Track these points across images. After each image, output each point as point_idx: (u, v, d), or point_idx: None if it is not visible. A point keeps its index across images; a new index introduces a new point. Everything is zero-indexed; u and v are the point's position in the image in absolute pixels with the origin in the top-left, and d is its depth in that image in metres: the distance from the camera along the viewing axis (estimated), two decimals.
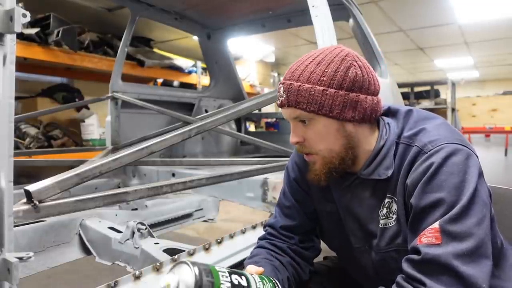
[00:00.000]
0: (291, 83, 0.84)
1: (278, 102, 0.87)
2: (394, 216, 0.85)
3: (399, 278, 0.76)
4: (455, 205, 0.72)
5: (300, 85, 0.82)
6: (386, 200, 0.86)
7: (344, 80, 0.82)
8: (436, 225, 0.72)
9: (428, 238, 0.72)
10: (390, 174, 0.84)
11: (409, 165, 0.81)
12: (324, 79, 0.81)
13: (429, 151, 0.78)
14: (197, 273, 0.66)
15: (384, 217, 0.87)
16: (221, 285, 0.68)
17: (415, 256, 0.73)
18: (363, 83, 0.83)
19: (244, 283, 0.73)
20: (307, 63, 0.84)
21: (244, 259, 1.18)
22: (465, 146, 0.79)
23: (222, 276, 0.70)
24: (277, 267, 0.95)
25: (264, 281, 0.79)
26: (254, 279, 0.76)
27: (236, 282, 0.71)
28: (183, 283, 0.65)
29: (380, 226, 0.87)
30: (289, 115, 0.86)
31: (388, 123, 0.89)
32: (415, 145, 0.82)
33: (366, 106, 0.84)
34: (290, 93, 0.83)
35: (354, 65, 0.83)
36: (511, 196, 1.11)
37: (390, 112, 0.92)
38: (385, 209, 0.86)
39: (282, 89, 0.85)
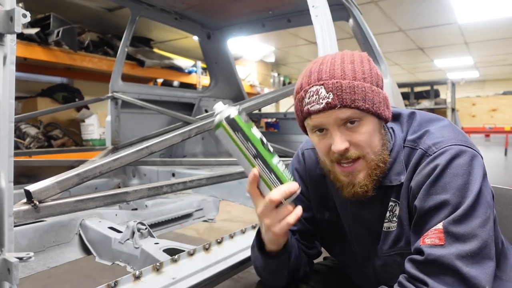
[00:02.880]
0: (337, 81, 0.76)
1: (319, 106, 0.77)
2: (397, 220, 0.85)
3: (401, 278, 0.76)
4: (460, 206, 0.72)
5: (349, 82, 0.76)
6: (390, 203, 0.86)
7: (378, 78, 0.81)
8: (439, 226, 0.72)
9: (431, 239, 0.72)
10: (403, 180, 0.82)
11: (414, 168, 0.81)
12: (366, 76, 0.79)
13: (433, 154, 0.78)
14: (237, 112, 0.77)
15: (387, 220, 0.86)
16: (252, 130, 0.77)
17: (418, 257, 0.73)
18: (383, 83, 0.84)
19: (271, 148, 0.79)
20: (339, 63, 0.79)
21: (244, 259, 1.18)
22: (469, 147, 0.78)
23: (255, 130, 0.78)
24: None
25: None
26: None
27: (265, 141, 0.78)
28: (228, 110, 0.77)
29: (383, 229, 0.87)
30: (336, 118, 0.77)
31: (391, 128, 0.88)
32: (420, 148, 0.81)
33: (390, 104, 0.85)
34: (341, 91, 0.75)
35: (375, 66, 0.84)
36: (511, 196, 1.11)
37: (392, 117, 0.90)
38: (388, 212, 0.86)
39: (323, 90, 0.77)
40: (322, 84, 0.77)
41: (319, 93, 0.77)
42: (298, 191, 0.77)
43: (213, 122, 0.78)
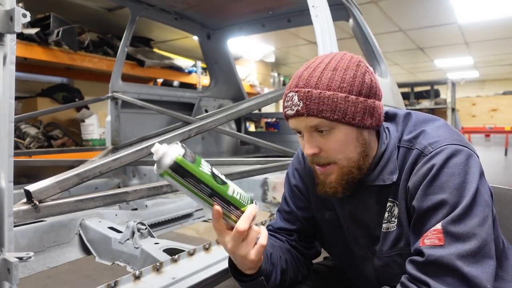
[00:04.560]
0: (309, 91, 0.78)
1: (291, 112, 0.81)
2: (396, 220, 0.85)
3: (403, 279, 0.76)
4: (457, 206, 0.72)
5: (320, 92, 0.78)
6: (388, 204, 0.86)
7: (362, 86, 0.80)
8: (438, 226, 0.72)
9: (431, 240, 0.72)
10: (396, 179, 0.83)
11: (410, 168, 0.81)
12: (344, 85, 0.78)
13: (429, 153, 0.78)
14: (181, 152, 0.69)
15: (386, 221, 0.86)
16: (201, 167, 0.71)
17: (418, 258, 0.73)
18: (376, 89, 0.83)
19: (223, 177, 0.75)
20: (321, 70, 0.80)
21: None
22: (465, 146, 0.78)
23: (203, 163, 0.73)
24: (274, 245, 0.96)
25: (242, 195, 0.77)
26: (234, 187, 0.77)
27: (216, 173, 0.74)
28: (170, 152, 0.69)
29: (382, 230, 0.87)
30: (306, 125, 0.80)
31: (387, 128, 0.88)
32: (416, 148, 0.82)
33: (380, 112, 0.84)
34: (310, 101, 0.78)
35: (368, 71, 0.82)
36: (511, 196, 1.11)
37: (388, 117, 0.92)
38: (387, 213, 0.86)
39: (296, 97, 0.79)
40: (297, 92, 0.80)
41: (293, 100, 0.80)
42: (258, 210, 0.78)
43: (157, 168, 0.69)
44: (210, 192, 0.72)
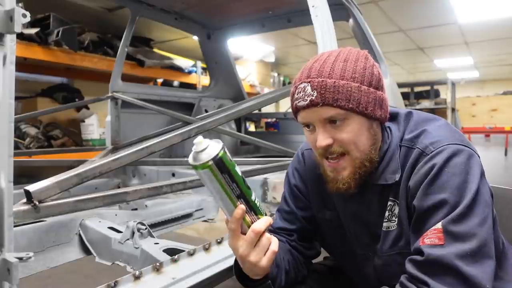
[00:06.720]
0: (323, 80, 0.78)
1: (304, 102, 0.80)
2: (396, 219, 0.85)
3: (403, 278, 0.76)
4: (458, 206, 0.72)
5: (335, 81, 0.77)
6: (389, 203, 0.86)
7: (372, 77, 0.81)
8: (439, 225, 0.72)
9: (431, 239, 0.72)
10: (398, 179, 0.83)
11: (411, 168, 0.81)
12: (356, 75, 0.79)
13: (430, 153, 0.78)
14: (224, 148, 0.72)
15: (387, 220, 0.86)
16: (237, 168, 0.73)
17: (418, 257, 0.73)
18: (383, 83, 0.84)
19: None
20: (332, 61, 0.80)
21: None
22: (466, 146, 0.78)
23: (237, 166, 0.75)
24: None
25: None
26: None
27: (244, 177, 0.75)
28: (214, 146, 0.72)
29: (383, 229, 0.87)
30: (320, 115, 0.79)
31: (388, 127, 0.89)
32: (417, 147, 0.82)
33: (387, 104, 0.85)
34: (325, 90, 0.77)
35: (375, 65, 0.83)
36: (511, 196, 1.11)
37: (389, 116, 0.91)
38: (387, 212, 0.86)
39: (309, 88, 0.79)
40: (309, 82, 0.79)
41: (306, 90, 0.79)
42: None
43: (194, 161, 0.73)
44: (238, 193, 0.74)
